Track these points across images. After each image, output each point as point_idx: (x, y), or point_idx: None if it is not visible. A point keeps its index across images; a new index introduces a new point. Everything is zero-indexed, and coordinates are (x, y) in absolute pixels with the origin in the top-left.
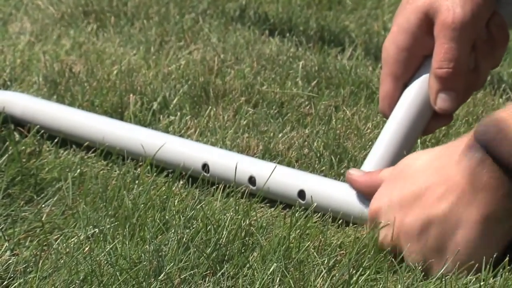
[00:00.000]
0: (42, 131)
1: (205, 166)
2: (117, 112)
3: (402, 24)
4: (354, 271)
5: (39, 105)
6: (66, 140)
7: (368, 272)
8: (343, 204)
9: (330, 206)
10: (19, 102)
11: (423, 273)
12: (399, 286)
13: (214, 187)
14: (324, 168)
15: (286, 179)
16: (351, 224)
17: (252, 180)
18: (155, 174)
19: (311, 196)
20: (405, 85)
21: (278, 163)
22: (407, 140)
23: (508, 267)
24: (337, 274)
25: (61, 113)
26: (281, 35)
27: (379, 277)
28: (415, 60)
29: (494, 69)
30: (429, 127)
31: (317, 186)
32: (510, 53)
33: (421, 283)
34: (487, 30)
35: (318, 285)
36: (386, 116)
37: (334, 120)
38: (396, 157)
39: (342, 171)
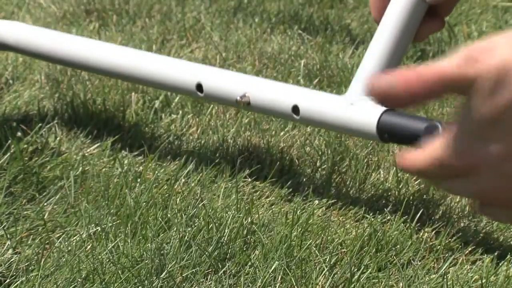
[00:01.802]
0: (45, 129)
1: (199, 87)
2: (119, 111)
3: None
4: (356, 269)
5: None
6: (68, 137)
7: (369, 270)
8: (339, 118)
9: (326, 121)
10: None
11: (424, 271)
12: (401, 283)
13: (216, 184)
14: (325, 166)
15: (279, 95)
16: (351, 221)
17: (245, 97)
18: (157, 172)
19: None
20: None
21: (279, 161)
22: (399, 45)
23: (510, 264)
24: (338, 272)
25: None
26: (283, 33)
27: (381, 275)
28: None
29: None
30: (421, 33)
31: (311, 101)
32: None
33: (423, 280)
34: None
35: (320, 283)
36: (378, 22)
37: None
38: (389, 64)
39: (344, 170)
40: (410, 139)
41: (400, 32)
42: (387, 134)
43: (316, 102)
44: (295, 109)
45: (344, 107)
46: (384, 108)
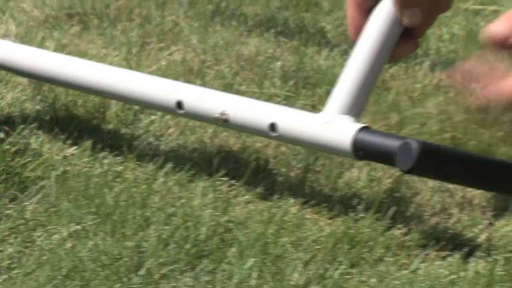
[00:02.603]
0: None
1: (179, 104)
2: (100, 112)
3: None
4: (329, 265)
5: None
6: (50, 138)
7: (343, 266)
8: (315, 135)
9: (302, 138)
10: None
11: (396, 267)
12: (373, 279)
13: (193, 183)
14: (300, 165)
15: (257, 112)
16: (325, 218)
17: (224, 115)
18: (136, 171)
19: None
20: (369, 10)
21: (255, 160)
22: (375, 65)
23: (479, 260)
24: (313, 269)
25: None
26: (260, 36)
27: (354, 271)
28: None
29: None
30: (396, 54)
31: (288, 119)
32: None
33: (394, 276)
34: None
35: (295, 279)
36: (354, 42)
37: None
38: (365, 84)
39: (318, 169)
40: (385, 157)
41: (376, 53)
42: (362, 152)
43: (292, 120)
44: (273, 126)
45: (320, 125)
46: (359, 126)
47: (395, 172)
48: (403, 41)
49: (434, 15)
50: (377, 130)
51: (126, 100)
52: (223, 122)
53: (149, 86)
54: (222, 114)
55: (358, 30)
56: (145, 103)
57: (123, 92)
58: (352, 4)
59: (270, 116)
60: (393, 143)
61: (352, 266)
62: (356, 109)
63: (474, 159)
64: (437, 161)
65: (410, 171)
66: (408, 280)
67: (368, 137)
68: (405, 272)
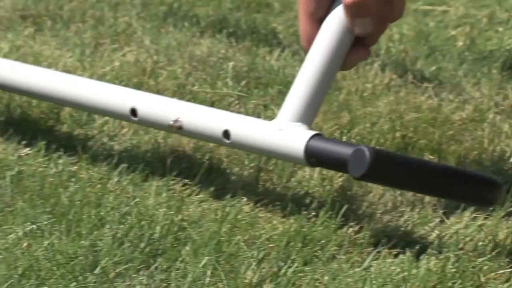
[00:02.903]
0: None
1: (134, 111)
2: (54, 112)
3: None
4: (283, 263)
5: None
6: (4, 139)
7: (296, 264)
8: (269, 143)
9: (255, 145)
10: None
11: (349, 264)
12: (326, 277)
13: (147, 183)
14: (253, 164)
15: (211, 120)
16: (278, 216)
17: (177, 122)
18: (90, 171)
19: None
20: (321, 20)
21: (209, 160)
22: (327, 73)
23: (431, 257)
24: (266, 267)
25: None
26: (212, 36)
27: (307, 269)
28: None
29: None
30: (348, 62)
31: (241, 126)
32: (432, 53)
33: (347, 273)
34: None
35: (248, 277)
36: (307, 50)
37: (263, 119)
38: (317, 92)
39: (270, 168)
40: (338, 164)
41: (328, 61)
42: (315, 159)
43: (246, 128)
44: (226, 133)
45: (273, 132)
46: (311, 134)
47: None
48: (354, 49)
49: (386, 24)
50: (330, 137)
51: (81, 107)
52: (176, 129)
53: (103, 93)
54: (175, 121)
55: (310, 39)
56: (99, 111)
57: (77, 99)
58: (304, 14)
59: (223, 123)
60: (345, 150)
61: (305, 264)
62: (308, 116)
63: (426, 166)
64: (389, 168)
65: (362, 178)
66: (360, 277)
67: (320, 145)
68: (357, 269)
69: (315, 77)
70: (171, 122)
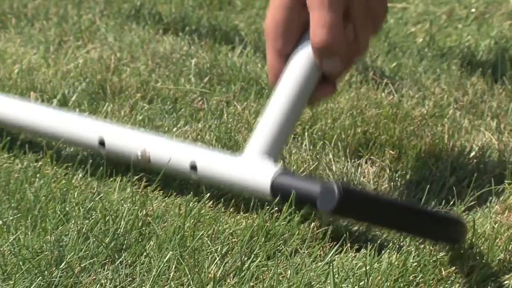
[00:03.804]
0: None
1: (102, 142)
2: None
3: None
4: (246, 258)
5: None
6: None
7: (259, 258)
8: (236, 178)
9: (222, 180)
10: None
11: (311, 259)
12: (289, 271)
13: (112, 178)
14: None
15: (179, 153)
16: (242, 212)
17: (145, 155)
18: (55, 167)
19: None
20: (288, 56)
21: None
22: (294, 109)
23: (392, 251)
24: (230, 261)
25: None
26: (175, 34)
27: (270, 263)
28: (294, 32)
29: (375, 36)
30: (315, 97)
31: (209, 160)
32: (392, 50)
33: (310, 267)
34: (366, 3)
35: (212, 271)
36: (273, 85)
37: (225, 115)
38: (284, 127)
39: None
40: (306, 200)
41: (296, 97)
42: (281, 195)
43: (213, 161)
44: (194, 167)
45: (240, 167)
46: (278, 170)
47: (309, 166)
48: (321, 85)
49: (353, 60)
50: (296, 174)
51: (51, 138)
52: (144, 162)
53: (73, 125)
54: (142, 154)
55: (277, 74)
56: (70, 141)
57: (47, 130)
58: (272, 50)
59: (191, 157)
60: (314, 187)
61: (268, 258)
62: (275, 151)
63: (393, 204)
64: (357, 204)
65: (331, 213)
66: (323, 271)
67: (286, 181)
68: (320, 263)
69: (284, 112)
70: (139, 154)
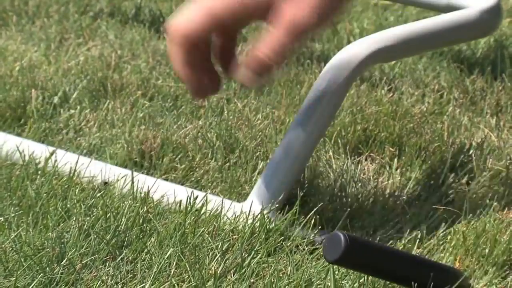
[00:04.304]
0: None
1: None
2: (20, 107)
3: None
4: (247, 255)
5: None
6: None
7: (259, 255)
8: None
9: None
10: None
11: (311, 255)
12: (289, 267)
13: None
14: (218, 156)
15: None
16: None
17: None
18: (57, 165)
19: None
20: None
21: (173, 152)
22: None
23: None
24: (230, 258)
25: None
26: None
27: (270, 260)
28: None
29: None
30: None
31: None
32: None
33: (310, 264)
34: None
35: (213, 268)
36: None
37: (226, 112)
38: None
39: (234, 161)
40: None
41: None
42: None
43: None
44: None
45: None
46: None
47: (309, 162)
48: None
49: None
50: None
51: None
52: None
53: None
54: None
55: (194, 40)
56: None
57: None
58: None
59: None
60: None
61: (269, 255)
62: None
63: (396, 254)
64: (362, 255)
65: (335, 262)
66: (323, 268)
67: None
68: (320, 260)
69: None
70: None
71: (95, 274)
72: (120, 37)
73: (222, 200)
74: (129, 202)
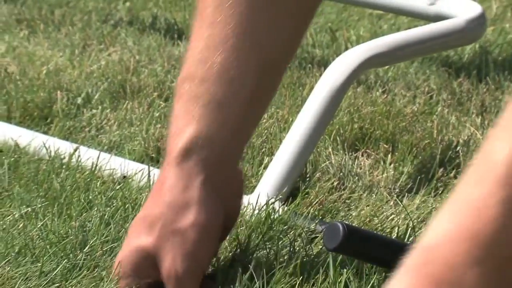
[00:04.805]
0: None
1: None
2: (47, 107)
3: None
4: (247, 245)
5: None
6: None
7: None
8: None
9: None
10: None
11: (312, 244)
12: (288, 255)
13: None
14: None
15: None
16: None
17: None
18: (80, 160)
19: None
20: None
21: None
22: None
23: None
24: (237, 246)
25: None
26: (188, 38)
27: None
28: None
29: None
30: None
31: None
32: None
33: (310, 253)
34: None
35: (221, 256)
36: None
37: None
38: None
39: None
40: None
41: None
42: None
43: None
44: None
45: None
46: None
47: (310, 158)
48: None
49: None
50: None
51: None
52: None
53: None
54: None
55: None
56: None
57: None
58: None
59: None
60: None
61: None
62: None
63: (392, 243)
64: (359, 243)
65: (334, 250)
66: (323, 257)
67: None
68: (320, 249)
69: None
70: None
71: (114, 260)
72: (138, 44)
73: None
74: (146, 194)
